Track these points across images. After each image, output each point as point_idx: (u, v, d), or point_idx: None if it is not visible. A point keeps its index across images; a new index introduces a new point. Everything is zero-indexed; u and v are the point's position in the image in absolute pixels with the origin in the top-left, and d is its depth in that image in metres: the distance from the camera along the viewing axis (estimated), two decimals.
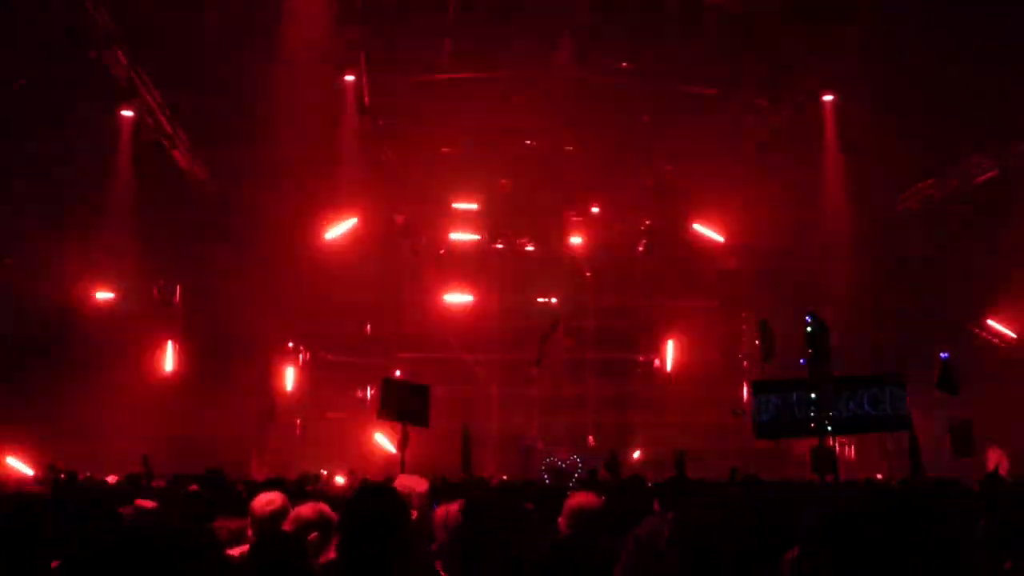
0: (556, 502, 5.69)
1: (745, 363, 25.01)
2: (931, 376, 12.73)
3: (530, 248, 26.20)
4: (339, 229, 22.74)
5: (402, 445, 11.12)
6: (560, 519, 5.13)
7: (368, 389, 24.79)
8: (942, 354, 13.04)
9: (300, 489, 10.08)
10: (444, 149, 22.20)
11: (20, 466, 16.50)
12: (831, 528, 2.37)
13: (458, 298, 25.36)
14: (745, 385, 23.34)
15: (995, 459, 12.07)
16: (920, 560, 2.27)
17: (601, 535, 5.00)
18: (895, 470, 16.22)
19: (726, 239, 23.91)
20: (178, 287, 22.40)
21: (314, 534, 4.73)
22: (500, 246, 25.79)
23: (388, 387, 11.81)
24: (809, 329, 8.53)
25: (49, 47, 15.43)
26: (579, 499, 5.20)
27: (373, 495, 3.81)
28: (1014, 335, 20.47)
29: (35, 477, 15.16)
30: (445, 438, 15.59)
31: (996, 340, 20.75)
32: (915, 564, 2.26)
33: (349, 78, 18.87)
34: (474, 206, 24.53)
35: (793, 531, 4.14)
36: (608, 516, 5.13)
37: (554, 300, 26.17)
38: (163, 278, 22.07)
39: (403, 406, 11.27)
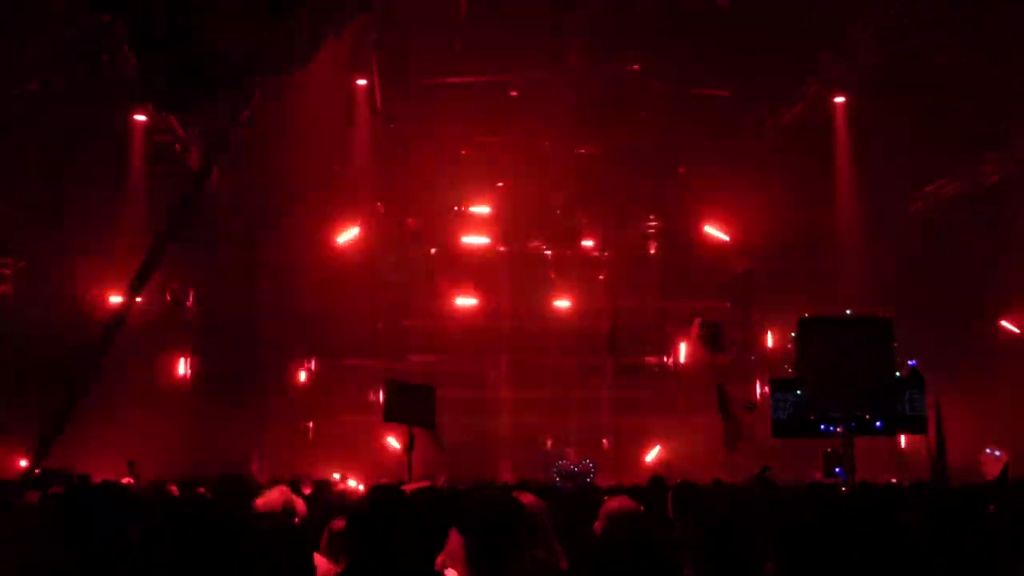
0: (574, 506, 5.71)
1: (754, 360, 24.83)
2: (943, 376, 12.43)
3: (547, 252, 26.18)
4: (347, 235, 23.02)
5: (408, 448, 10.88)
6: (596, 523, 5.19)
7: (381, 393, 24.64)
8: (910, 362, 12.38)
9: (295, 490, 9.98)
10: (463, 151, 22.28)
11: None
12: (783, 538, 2.38)
13: (466, 301, 25.27)
14: (757, 381, 23.32)
15: (995, 461, 11.61)
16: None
17: (637, 538, 5.05)
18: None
19: (737, 240, 23.83)
20: (191, 291, 22.36)
21: None
22: (502, 249, 25.76)
23: (392, 389, 11.58)
24: (795, 334, 8.39)
25: (62, 49, 15.41)
26: (616, 502, 5.26)
27: (384, 498, 3.79)
28: None
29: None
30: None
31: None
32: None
33: (361, 82, 18.92)
34: (487, 209, 24.49)
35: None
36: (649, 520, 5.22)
37: (568, 303, 25.98)
38: (176, 282, 22.04)
39: (409, 408, 11.07)
